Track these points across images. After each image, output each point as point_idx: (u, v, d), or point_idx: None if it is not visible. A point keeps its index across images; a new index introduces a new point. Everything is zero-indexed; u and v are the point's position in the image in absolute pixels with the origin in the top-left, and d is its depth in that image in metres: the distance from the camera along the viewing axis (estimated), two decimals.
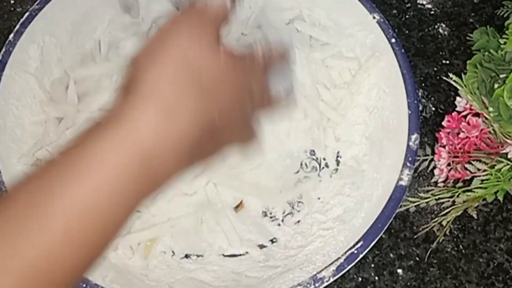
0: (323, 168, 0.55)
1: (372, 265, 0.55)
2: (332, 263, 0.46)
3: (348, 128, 0.57)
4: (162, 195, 0.48)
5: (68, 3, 0.57)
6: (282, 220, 0.53)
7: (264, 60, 0.37)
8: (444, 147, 0.54)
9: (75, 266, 0.30)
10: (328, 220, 0.52)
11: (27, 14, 0.55)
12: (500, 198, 0.52)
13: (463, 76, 0.54)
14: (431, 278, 0.54)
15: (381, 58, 0.56)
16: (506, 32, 0.53)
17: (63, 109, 0.55)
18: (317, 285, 0.45)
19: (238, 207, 0.53)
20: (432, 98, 0.63)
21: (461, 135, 0.52)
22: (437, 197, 0.54)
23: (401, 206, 0.50)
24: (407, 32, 0.67)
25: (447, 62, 0.65)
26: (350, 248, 0.46)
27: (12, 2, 0.68)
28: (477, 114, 0.53)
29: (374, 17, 0.56)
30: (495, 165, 0.52)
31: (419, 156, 0.56)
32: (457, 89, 0.53)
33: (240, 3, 0.38)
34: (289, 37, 0.44)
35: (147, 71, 0.32)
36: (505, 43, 0.53)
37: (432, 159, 0.55)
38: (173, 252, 0.52)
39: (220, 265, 0.51)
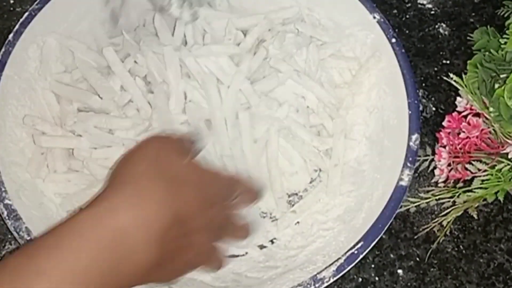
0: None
1: (373, 266, 0.55)
2: (332, 264, 0.46)
3: (349, 128, 0.57)
4: None
5: (68, 3, 0.57)
6: (282, 220, 0.53)
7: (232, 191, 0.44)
8: (444, 147, 0.53)
9: None
10: (328, 221, 0.52)
11: (26, 14, 0.55)
12: (501, 198, 0.51)
13: (463, 76, 0.54)
14: (432, 278, 0.54)
15: (382, 58, 0.56)
16: (507, 32, 0.53)
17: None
18: (317, 285, 0.45)
19: None
20: (433, 98, 0.63)
21: (462, 135, 0.52)
22: (437, 197, 0.54)
23: (401, 207, 0.50)
24: (407, 32, 0.67)
25: (448, 62, 0.65)
26: (351, 249, 0.46)
27: (11, 2, 0.68)
28: (477, 114, 0.52)
29: (374, 17, 0.56)
30: (495, 165, 0.51)
31: (420, 156, 0.56)
32: (458, 89, 0.53)
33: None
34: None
35: (125, 167, 0.40)
36: (505, 43, 0.53)
37: (432, 159, 0.55)
38: None
39: None
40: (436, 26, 0.67)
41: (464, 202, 0.52)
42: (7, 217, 0.47)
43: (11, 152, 0.51)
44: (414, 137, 0.50)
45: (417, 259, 0.55)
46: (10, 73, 0.53)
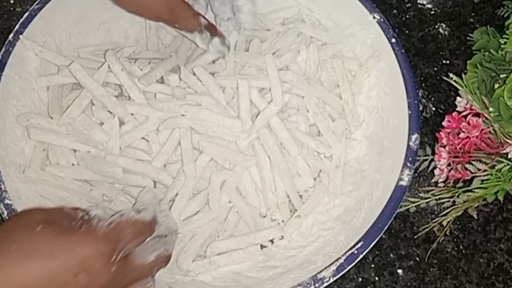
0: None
1: (372, 265, 0.55)
2: (332, 263, 0.46)
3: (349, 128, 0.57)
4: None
5: (68, 3, 0.57)
6: (282, 221, 0.53)
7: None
8: (444, 147, 0.53)
9: None
10: (328, 220, 0.52)
11: (26, 14, 0.55)
12: (500, 198, 0.51)
13: (463, 76, 0.54)
14: (431, 278, 0.54)
15: (381, 58, 0.56)
16: (507, 32, 0.53)
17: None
18: (317, 285, 0.45)
19: None
20: (433, 98, 0.63)
21: (462, 135, 0.52)
22: (437, 197, 0.54)
23: (401, 206, 0.50)
24: (407, 32, 0.67)
25: (447, 62, 0.65)
26: (351, 248, 0.46)
27: (12, 2, 0.68)
28: (477, 114, 0.52)
29: (374, 17, 0.56)
30: (495, 165, 0.51)
31: (419, 156, 0.56)
32: (458, 89, 0.53)
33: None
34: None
35: None
36: (505, 43, 0.53)
37: (432, 159, 0.55)
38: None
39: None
40: (436, 26, 0.67)
41: (464, 202, 0.52)
42: (7, 217, 0.47)
43: (11, 152, 0.51)
44: (414, 137, 0.51)
45: (417, 259, 0.55)
46: (10, 73, 0.53)
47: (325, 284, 0.45)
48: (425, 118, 0.62)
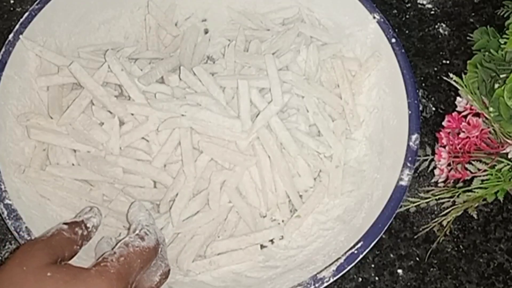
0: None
1: (372, 265, 0.55)
2: (332, 263, 0.46)
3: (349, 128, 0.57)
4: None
5: (68, 3, 0.57)
6: (282, 221, 0.53)
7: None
8: (444, 147, 0.53)
9: None
10: (328, 220, 0.52)
11: (26, 14, 0.55)
12: (500, 198, 0.52)
13: (463, 76, 0.54)
14: (431, 278, 0.54)
15: (381, 58, 0.56)
16: (507, 32, 0.53)
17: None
18: (317, 285, 0.45)
19: None
20: (433, 98, 0.63)
21: (462, 135, 0.52)
22: (437, 197, 0.54)
23: (401, 206, 0.50)
24: (407, 32, 0.67)
25: (447, 62, 0.65)
26: (350, 248, 0.46)
27: (12, 2, 0.68)
28: (477, 114, 0.52)
29: (374, 17, 0.56)
30: (495, 165, 0.51)
31: (419, 156, 0.56)
32: (458, 89, 0.53)
33: None
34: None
35: None
36: (505, 43, 0.53)
37: (432, 159, 0.55)
38: None
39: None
40: (436, 26, 0.67)
41: (464, 202, 0.52)
42: (7, 217, 0.47)
43: (11, 152, 0.51)
44: (414, 137, 0.51)
45: (417, 259, 0.55)
46: (10, 73, 0.53)
47: (325, 284, 0.45)
48: (425, 118, 0.62)
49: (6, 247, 0.54)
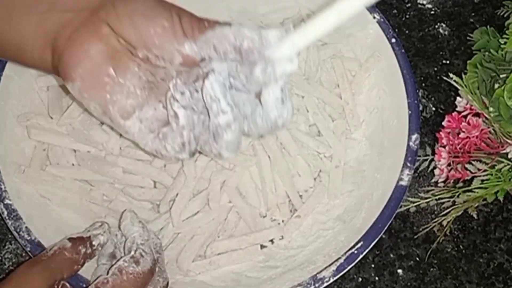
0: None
1: (372, 265, 0.55)
2: (332, 263, 0.46)
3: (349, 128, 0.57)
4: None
5: None
6: (282, 221, 0.53)
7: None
8: (444, 147, 0.54)
9: None
10: (328, 220, 0.52)
11: None
12: (501, 198, 0.52)
13: (463, 76, 0.54)
14: (431, 278, 0.54)
15: (381, 58, 0.56)
16: (507, 32, 0.53)
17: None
18: (317, 285, 0.45)
19: None
20: (433, 98, 0.63)
21: (462, 135, 0.52)
22: (437, 197, 0.54)
23: (401, 206, 0.50)
24: (407, 32, 0.67)
25: (448, 62, 0.65)
26: (350, 248, 0.46)
27: None
28: (477, 114, 0.53)
29: (374, 17, 0.56)
30: (495, 165, 0.52)
31: (419, 156, 0.56)
32: (458, 89, 0.53)
33: None
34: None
35: None
36: (505, 43, 0.53)
37: (432, 159, 0.55)
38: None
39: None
40: (436, 26, 0.67)
41: (464, 202, 0.52)
42: (7, 217, 0.47)
43: (11, 152, 0.51)
44: (414, 137, 0.51)
45: (417, 259, 0.55)
46: (10, 73, 0.53)
47: (325, 284, 0.45)
48: (425, 118, 0.62)
49: (6, 247, 0.54)
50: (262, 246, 0.52)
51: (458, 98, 0.54)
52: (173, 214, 0.50)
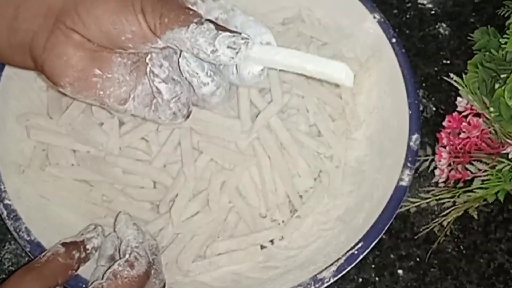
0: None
1: (373, 266, 0.55)
2: (332, 264, 0.46)
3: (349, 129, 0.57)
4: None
5: None
6: (283, 221, 0.53)
7: None
8: (444, 147, 0.53)
9: None
10: (328, 221, 0.52)
11: None
12: (501, 198, 0.52)
13: (464, 76, 0.54)
14: (432, 278, 0.54)
15: (382, 58, 0.56)
16: (507, 32, 0.53)
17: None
18: (317, 285, 0.45)
19: None
20: (433, 98, 0.63)
21: (462, 135, 0.52)
22: (437, 197, 0.54)
23: (401, 207, 0.50)
24: (407, 32, 0.67)
25: (448, 62, 0.65)
26: (351, 249, 0.46)
27: None
28: (478, 114, 0.52)
29: (374, 17, 0.56)
30: (496, 165, 0.51)
31: (420, 156, 0.56)
32: (458, 89, 0.53)
33: None
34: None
35: None
36: (506, 43, 0.53)
37: (432, 160, 0.55)
38: None
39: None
40: (437, 26, 0.67)
41: (465, 202, 0.52)
42: (7, 217, 0.47)
43: (11, 152, 0.51)
44: (414, 137, 0.50)
45: (417, 259, 0.55)
46: (10, 73, 0.53)
47: (325, 285, 0.45)
48: (426, 118, 0.62)
49: (6, 247, 0.54)
50: (262, 247, 0.52)
51: (458, 98, 0.54)
52: (173, 214, 0.50)
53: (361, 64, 0.58)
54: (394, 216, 0.47)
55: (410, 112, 0.52)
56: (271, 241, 0.52)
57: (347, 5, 0.57)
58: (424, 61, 0.65)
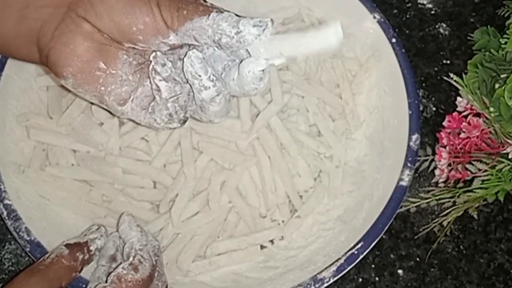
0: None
1: (373, 266, 0.55)
2: (332, 264, 0.46)
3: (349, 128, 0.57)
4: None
5: None
6: (283, 221, 0.53)
7: None
8: (444, 147, 0.53)
9: None
10: (328, 221, 0.52)
11: None
12: (501, 198, 0.51)
13: (463, 76, 0.54)
14: (432, 278, 0.54)
15: (382, 58, 0.56)
16: (507, 32, 0.53)
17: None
18: (317, 285, 0.45)
19: None
20: (433, 98, 0.63)
21: (462, 135, 0.52)
22: (437, 197, 0.54)
23: (401, 207, 0.50)
24: (407, 32, 0.67)
25: (448, 62, 0.65)
26: (351, 249, 0.46)
27: None
28: (477, 114, 0.52)
29: (374, 17, 0.56)
30: (495, 165, 0.51)
31: (420, 156, 0.56)
32: (458, 89, 0.53)
33: None
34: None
35: None
36: (506, 43, 0.53)
37: (432, 160, 0.55)
38: None
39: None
40: (437, 26, 0.67)
41: (465, 202, 0.52)
42: (7, 217, 0.47)
43: (11, 152, 0.51)
44: (414, 137, 0.50)
45: (417, 259, 0.55)
46: (10, 73, 0.53)
47: (325, 285, 0.45)
48: (426, 118, 0.62)
49: (6, 247, 0.54)
50: (262, 247, 0.52)
51: (458, 98, 0.54)
52: (173, 214, 0.50)
53: (361, 64, 0.58)
54: (394, 216, 0.48)
55: (410, 112, 0.52)
56: (271, 241, 0.52)
57: (347, 5, 0.57)
58: (424, 61, 0.65)
